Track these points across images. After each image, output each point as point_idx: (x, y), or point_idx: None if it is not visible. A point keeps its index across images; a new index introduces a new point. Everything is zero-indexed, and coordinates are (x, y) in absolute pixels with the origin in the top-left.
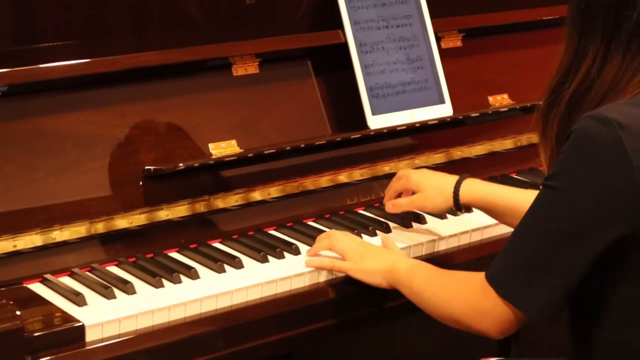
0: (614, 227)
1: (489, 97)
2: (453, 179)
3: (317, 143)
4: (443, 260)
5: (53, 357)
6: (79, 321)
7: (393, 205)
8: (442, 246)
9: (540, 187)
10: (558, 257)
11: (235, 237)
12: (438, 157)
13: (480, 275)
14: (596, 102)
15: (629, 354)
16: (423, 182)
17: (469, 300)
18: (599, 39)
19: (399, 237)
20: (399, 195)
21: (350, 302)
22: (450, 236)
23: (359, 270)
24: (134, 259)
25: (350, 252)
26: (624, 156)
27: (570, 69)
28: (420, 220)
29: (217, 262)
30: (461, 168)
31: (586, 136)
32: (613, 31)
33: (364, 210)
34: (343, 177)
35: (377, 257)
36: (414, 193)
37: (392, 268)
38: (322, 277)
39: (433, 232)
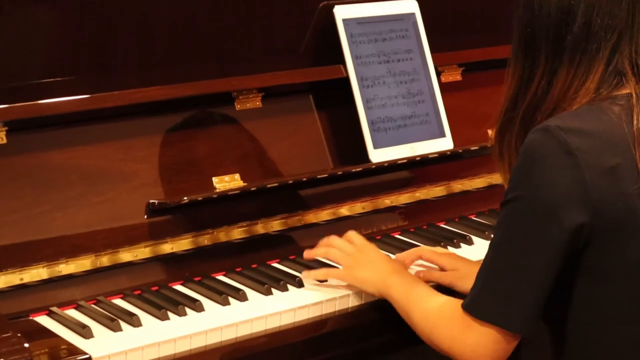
0: (573, 224)
1: (488, 130)
2: None
3: (319, 176)
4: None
5: None
6: (86, 353)
7: (424, 275)
8: None
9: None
10: (526, 265)
11: (239, 269)
12: (439, 190)
13: (459, 310)
14: (547, 114)
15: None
16: (457, 264)
17: (453, 334)
18: (543, 58)
19: None
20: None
21: (355, 333)
22: None
23: (352, 277)
24: (139, 292)
25: (345, 258)
26: (570, 156)
27: (519, 91)
28: None
29: (222, 294)
30: (461, 201)
31: (533, 146)
32: (555, 48)
33: None
34: (345, 210)
35: (372, 265)
36: None
37: (385, 281)
38: (326, 310)
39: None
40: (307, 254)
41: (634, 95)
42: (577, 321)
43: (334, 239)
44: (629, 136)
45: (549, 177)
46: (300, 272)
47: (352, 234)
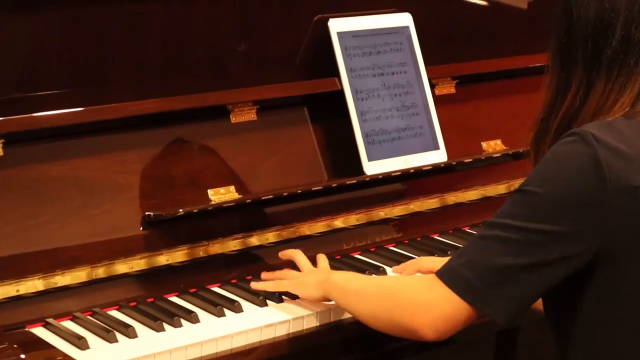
0: (585, 234)
1: (482, 142)
2: None
3: (313, 189)
4: None
5: None
6: None
7: None
8: None
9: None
10: (527, 260)
11: (234, 281)
12: (432, 203)
13: (427, 277)
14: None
15: None
16: (436, 266)
17: (410, 294)
18: (580, 69)
19: None
20: None
21: (351, 344)
22: None
23: (296, 284)
24: (134, 303)
25: (290, 273)
26: (598, 166)
27: (556, 100)
28: None
29: (217, 306)
30: (455, 213)
31: (564, 147)
32: (593, 60)
33: (360, 254)
34: (339, 222)
35: (314, 272)
36: None
37: (327, 277)
38: (320, 320)
39: None
40: (255, 285)
41: None
42: (585, 336)
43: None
44: None
45: (571, 183)
46: None
47: (320, 256)
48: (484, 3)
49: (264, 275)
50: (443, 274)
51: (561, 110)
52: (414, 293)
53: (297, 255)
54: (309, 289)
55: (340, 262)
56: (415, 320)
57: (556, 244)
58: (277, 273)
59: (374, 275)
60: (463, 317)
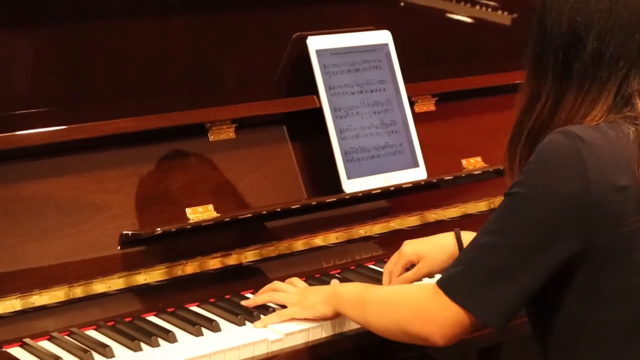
0: (570, 235)
1: (462, 160)
2: (446, 236)
3: (292, 207)
4: None
5: None
6: None
7: (397, 281)
8: None
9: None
10: (516, 262)
11: (212, 300)
12: (412, 220)
13: (432, 284)
14: None
15: None
16: (419, 250)
17: (417, 304)
18: (550, 80)
19: None
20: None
21: None
22: None
23: (302, 308)
24: (112, 323)
25: (289, 297)
26: (581, 166)
27: (528, 108)
28: None
29: (195, 325)
30: (436, 230)
31: (549, 146)
32: (563, 72)
33: (339, 273)
34: (319, 241)
35: (317, 290)
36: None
37: (334, 292)
38: (300, 340)
39: None
40: (249, 302)
41: None
42: (567, 337)
43: (276, 283)
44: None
45: (556, 184)
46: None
47: (295, 279)
48: (465, 19)
49: (247, 302)
50: (442, 284)
51: (532, 119)
52: (422, 304)
53: (274, 284)
54: (317, 308)
55: (319, 280)
56: (426, 330)
57: (544, 244)
58: (264, 297)
59: (377, 286)
60: (467, 323)
